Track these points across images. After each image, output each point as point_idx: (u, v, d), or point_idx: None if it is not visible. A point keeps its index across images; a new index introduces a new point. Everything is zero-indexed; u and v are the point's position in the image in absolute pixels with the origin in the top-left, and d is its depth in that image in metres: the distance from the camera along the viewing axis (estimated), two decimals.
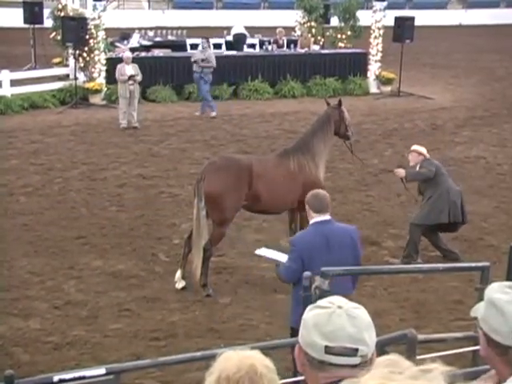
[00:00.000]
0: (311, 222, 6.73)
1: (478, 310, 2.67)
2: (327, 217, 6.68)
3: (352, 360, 2.33)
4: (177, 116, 19.65)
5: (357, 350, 2.32)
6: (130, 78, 17.77)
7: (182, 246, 9.76)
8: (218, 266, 10.08)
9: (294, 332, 6.71)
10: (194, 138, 17.39)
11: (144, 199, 12.97)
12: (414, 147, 10.64)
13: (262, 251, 7.59)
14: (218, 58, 22.25)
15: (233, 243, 10.89)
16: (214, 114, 19.53)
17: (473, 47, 35.42)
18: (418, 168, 10.39)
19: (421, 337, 5.68)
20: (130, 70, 17.89)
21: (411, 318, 8.66)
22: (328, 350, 2.33)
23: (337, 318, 2.34)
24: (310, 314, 2.40)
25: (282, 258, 7.03)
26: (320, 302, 2.43)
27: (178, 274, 9.48)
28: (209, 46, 20.32)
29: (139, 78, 18.09)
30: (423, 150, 10.54)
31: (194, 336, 8.27)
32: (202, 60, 19.57)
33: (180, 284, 9.44)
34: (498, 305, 2.56)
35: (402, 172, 10.47)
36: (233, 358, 2.58)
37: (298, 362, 2.45)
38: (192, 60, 19.82)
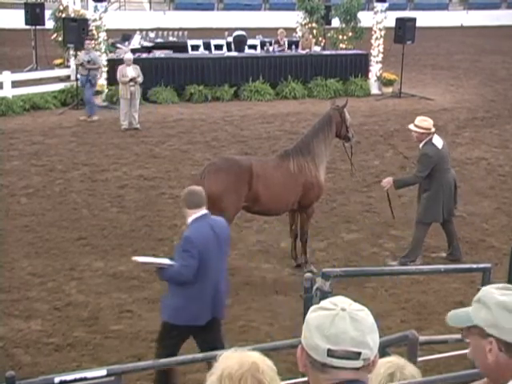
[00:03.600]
0: (192, 217, 6.66)
1: (477, 318, 2.54)
2: (205, 211, 6.72)
3: (354, 363, 2.31)
4: (178, 117, 19.65)
5: (359, 353, 2.30)
6: (132, 79, 17.78)
7: None
8: None
9: (167, 326, 6.71)
10: (195, 139, 17.39)
11: (145, 200, 12.97)
12: (418, 122, 9.95)
13: (141, 259, 7.47)
14: (219, 59, 22.34)
15: (233, 244, 10.90)
16: (95, 117, 19.02)
17: (474, 48, 35.42)
18: (420, 146, 10.06)
19: (422, 338, 5.67)
20: (131, 71, 17.89)
21: (412, 319, 8.66)
22: (331, 353, 2.31)
23: (340, 321, 2.32)
24: (313, 315, 2.38)
25: (164, 261, 6.96)
26: (323, 303, 2.41)
27: None
28: (93, 48, 19.76)
29: (140, 79, 18.09)
30: (428, 124, 9.91)
31: None
32: (88, 62, 19.21)
33: None
34: (509, 306, 2.51)
35: (388, 182, 10.26)
36: (234, 357, 2.58)
37: (300, 362, 2.44)
38: (75, 63, 19.45)
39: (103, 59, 20.97)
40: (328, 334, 2.31)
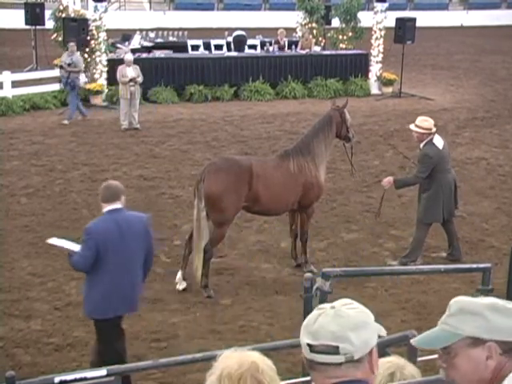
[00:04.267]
0: (103, 211, 7.01)
1: (467, 329, 2.42)
2: (118, 205, 6.97)
3: (335, 358, 2.31)
4: (178, 117, 19.65)
5: (337, 347, 2.30)
6: (131, 80, 17.75)
7: (183, 247, 9.76)
8: (219, 267, 10.08)
9: (96, 323, 6.90)
10: (195, 139, 17.39)
11: (145, 200, 12.97)
12: (419, 122, 9.93)
13: (54, 240, 7.49)
14: (219, 59, 22.35)
15: (233, 244, 10.90)
16: (66, 122, 18.51)
17: (474, 48, 35.42)
18: (421, 146, 10.05)
19: None
20: (131, 71, 17.86)
21: (412, 319, 8.66)
22: (312, 349, 2.34)
23: (323, 318, 2.34)
24: (309, 316, 2.42)
25: (75, 247, 7.02)
26: (323, 305, 2.43)
27: (179, 275, 9.48)
28: (77, 50, 19.34)
29: (140, 79, 18.07)
30: (429, 124, 9.89)
31: (195, 337, 8.27)
32: (69, 64, 18.98)
33: (181, 285, 9.44)
34: (499, 307, 2.46)
35: (389, 181, 10.27)
36: (234, 357, 2.58)
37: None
38: (57, 65, 19.08)
39: (103, 59, 20.98)
40: (311, 330, 2.35)
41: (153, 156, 15.85)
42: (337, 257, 10.65)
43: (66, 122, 18.50)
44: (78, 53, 19.70)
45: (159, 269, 10.13)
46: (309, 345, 2.33)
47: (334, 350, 2.30)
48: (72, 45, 19.29)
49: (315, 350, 2.32)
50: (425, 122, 9.99)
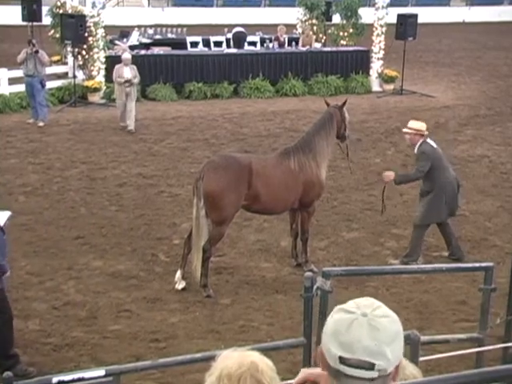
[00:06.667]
0: None
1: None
2: None
3: (368, 374, 2.20)
4: (177, 115, 19.64)
5: (374, 364, 2.19)
6: (127, 81, 17.44)
7: (182, 246, 9.77)
8: (218, 267, 10.09)
9: None
10: (194, 136, 17.39)
11: (144, 199, 12.98)
12: (411, 124, 10.18)
13: None
14: (218, 55, 22.34)
15: (233, 243, 10.91)
16: (41, 123, 17.95)
17: (476, 45, 35.41)
18: (416, 149, 10.14)
19: (424, 338, 5.68)
20: (127, 72, 17.61)
21: (414, 318, 8.66)
22: (343, 361, 2.21)
23: (356, 328, 2.21)
24: (334, 317, 2.28)
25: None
26: (348, 305, 2.30)
27: (178, 274, 9.48)
28: (34, 46, 18.02)
29: (136, 80, 17.80)
30: (421, 126, 10.08)
31: (195, 337, 8.28)
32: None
33: (180, 284, 9.44)
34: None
35: (390, 175, 10.31)
36: (233, 357, 2.58)
37: (320, 363, 2.35)
38: (19, 61, 18.33)
39: (101, 56, 20.95)
40: (342, 340, 2.21)
41: (151, 154, 15.85)
42: (337, 256, 10.66)
43: (41, 123, 17.98)
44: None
45: (158, 268, 10.15)
46: (340, 357, 2.21)
47: (369, 366, 2.19)
48: (35, 41, 18.53)
49: (347, 363, 2.20)
50: (416, 123, 10.23)
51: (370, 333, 2.20)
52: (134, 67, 17.94)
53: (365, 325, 2.21)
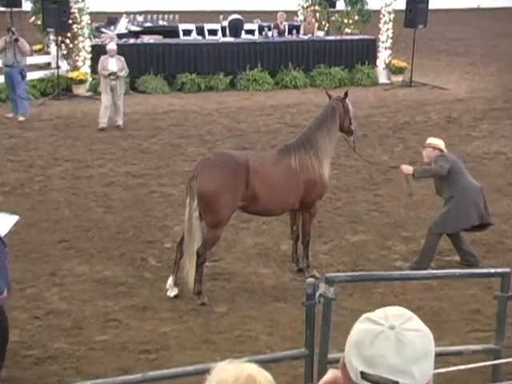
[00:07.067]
0: None
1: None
2: None
3: None
4: (169, 109, 19.64)
5: (397, 382, 2.14)
6: (112, 73, 17.21)
7: (175, 250, 9.77)
8: (213, 272, 10.09)
9: None
10: (187, 132, 17.39)
11: (133, 199, 12.97)
12: (429, 140, 10.52)
13: None
14: (213, 45, 22.34)
15: (229, 247, 10.92)
16: (22, 118, 17.91)
17: (492, 32, 35.43)
18: (432, 165, 10.34)
19: (436, 349, 5.67)
20: (113, 63, 17.36)
21: None
22: (364, 377, 2.17)
23: (382, 342, 2.17)
24: (360, 327, 2.25)
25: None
26: (376, 314, 2.26)
27: (170, 280, 9.48)
28: (13, 34, 17.81)
29: (123, 73, 17.52)
30: (440, 143, 10.38)
31: (188, 348, 8.28)
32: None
33: (172, 291, 9.44)
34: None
35: (408, 168, 10.37)
36: (229, 369, 2.57)
37: (341, 374, 2.31)
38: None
39: (87, 45, 20.96)
40: (365, 354, 2.18)
41: (141, 151, 15.85)
42: (342, 260, 10.67)
43: (21, 118, 17.93)
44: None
45: (148, 274, 10.14)
46: (361, 372, 2.17)
47: None
48: (15, 30, 18.35)
49: (369, 379, 2.16)
50: (435, 139, 10.54)
51: (396, 348, 2.16)
52: (122, 58, 17.66)
53: (391, 339, 2.17)
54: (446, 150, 10.37)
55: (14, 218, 6.88)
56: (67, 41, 20.83)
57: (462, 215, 10.06)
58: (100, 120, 17.44)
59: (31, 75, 20.56)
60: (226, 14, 25.42)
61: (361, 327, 2.23)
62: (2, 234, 7.05)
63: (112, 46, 18.03)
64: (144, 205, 12.71)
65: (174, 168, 14.66)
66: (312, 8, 25.56)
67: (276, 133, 17.41)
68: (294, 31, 24.18)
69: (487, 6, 44.49)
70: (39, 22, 21.67)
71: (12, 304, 9.21)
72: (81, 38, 20.90)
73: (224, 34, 23.87)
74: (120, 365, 7.92)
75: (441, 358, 6.71)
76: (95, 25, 22.91)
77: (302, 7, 25.80)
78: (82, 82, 20.77)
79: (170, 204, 12.74)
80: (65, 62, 20.99)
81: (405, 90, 22.75)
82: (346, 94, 10.40)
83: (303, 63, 23.01)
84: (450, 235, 10.44)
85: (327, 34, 25.35)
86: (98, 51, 20.10)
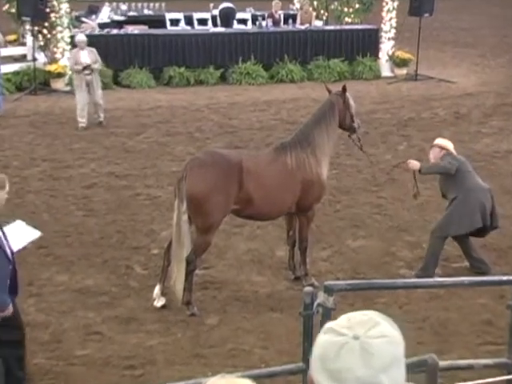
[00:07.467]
0: None
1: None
2: None
3: None
4: (155, 104, 19.65)
5: None
6: (86, 67, 16.99)
7: (162, 256, 9.76)
8: (204, 281, 10.09)
9: None
10: (175, 129, 17.39)
11: (117, 202, 12.97)
12: (437, 141, 10.59)
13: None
14: (203, 35, 22.34)
15: (221, 253, 10.91)
16: None
17: (502, 21, 35.51)
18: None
19: (443, 363, 5.69)
20: (85, 56, 17.12)
21: (431, 341, 8.67)
22: None
23: (347, 354, 2.15)
24: (322, 339, 2.24)
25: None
26: (339, 323, 2.25)
27: (157, 289, 9.47)
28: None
29: (97, 65, 17.33)
30: (448, 144, 10.45)
31: (176, 363, 8.27)
32: None
33: (159, 301, 9.43)
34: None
35: (415, 164, 10.38)
36: None
37: None
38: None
39: (66, 35, 20.93)
40: (331, 368, 2.16)
41: (125, 150, 15.85)
42: (342, 268, 10.67)
43: None
44: None
45: (133, 282, 10.14)
46: None
47: None
48: None
49: None
50: (443, 140, 10.67)
51: (362, 359, 2.14)
52: (93, 50, 17.43)
53: (356, 350, 2.15)
54: (454, 152, 10.40)
55: (36, 234, 6.85)
56: (44, 31, 20.82)
57: (466, 217, 10.07)
58: (79, 120, 17.36)
59: (5, 68, 20.56)
60: (217, 2, 25.41)
61: (323, 339, 2.22)
62: (16, 249, 7.05)
63: (81, 37, 17.76)
64: (128, 208, 12.71)
65: (160, 168, 14.66)
66: None
67: (271, 130, 17.42)
68: (290, 21, 24.17)
69: None
70: (13, 10, 21.62)
71: None
72: (59, 28, 20.89)
73: (214, 24, 23.88)
74: (102, 381, 7.91)
75: (449, 373, 6.73)
76: (75, 14, 22.91)
77: None
78: (60, 75, 20.75)
79: (156, 207, 12.73)
80: (42, 53, 20.97)
81: (409, 83, 22.78)
82: (343, 89, 10.38)
83: (300, 55, 23.04)
84: (456, 239, 10.45)
85: (326, 23, 25.40)
86: None
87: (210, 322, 9.19)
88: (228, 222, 10.79)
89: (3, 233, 7.01)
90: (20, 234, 7.20)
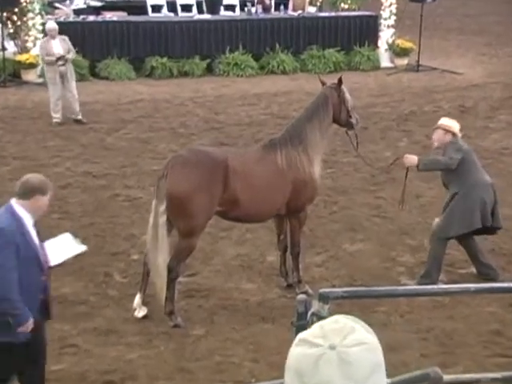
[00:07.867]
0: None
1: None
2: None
3: None
4: (135, 98, 19.62)
5: None
6: (59, 58, 16.81)
7: (142, 263, 9.74)
8: (188, 289, 10.07)
9: None
10: (157, 125, 17.38)
11: (94, 203, 12.95)
12: (441, 121, 10.43)
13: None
14: (187, 23, 22.32)
15: (207, 258, 10.90)
16: None
17: (510, 7, 35.60)
18: (445, 146, 10.28)
19: (448, 377, 5.68)
20: (57, 45, 16.96)
21: (435, 352, 8.68)
22: None
23: (325, 366, 2.15)
24: (297, 351, 2.25)
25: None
26: (312, 333, 2.26)
27: (138, 298, 9.45)
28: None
29: (71, 55, 17.20)
30: (453, 125, 10.30)
31: (159, 378, 8.26)
32: None
33: (140, 312, 9.42)
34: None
35: (413, 159, 10.30)
36: None
37: None
38: None
39: (38, 23, 20.87)
40: (309, 383, 2.17)
41: (104, 147, 15.83)
42: (338, 274, 10.68)
43: None
44: None
45: (113, 291, 10.12)
46: None
47: None
48: None
49: None
50: (448, 120, 10.50)
51: (341, 370, 2.15)
52: (66, 38, 17.33)
53: (334, 361, 2.16)
54: (459, 135, 10.32)
55: (81, 248, 6.82)
56: (14, 17, 20.77)
57: (466, 215, 10.04)
58: (53, 115, 17.33)
59: None
60: None
61: (297, 352, 2.23)
62: (55, 263, 7.01)
63: (52, 24, 17.64)
64: (107, 210, 12.69)
65: (141, 167, 14.64)
66: None
67: (261, 126, 17.43)
68: (282, 7, 24.19)
69: None
70: None
71: None
72: (30, 15, 20.86)
73: (200, 11, 23.85)
74: None
75: None
76: None
77: None
78: (32, 66, 20.70)
79: (136, 209, 12.71)
80: (11, 42, 20.91)
81: (411, 74, 22.82)
82: (340, 81, 10.37)
83: (292, 44, 23.05)
84: (461, 243, 10.45)
85: (320, 9, 25.40)
86: None
87: (196, 333, 9.18)
88: (215, 225, 10.78)
89: (41, 242, 7.00)
90: (64, 248, 7.19)
